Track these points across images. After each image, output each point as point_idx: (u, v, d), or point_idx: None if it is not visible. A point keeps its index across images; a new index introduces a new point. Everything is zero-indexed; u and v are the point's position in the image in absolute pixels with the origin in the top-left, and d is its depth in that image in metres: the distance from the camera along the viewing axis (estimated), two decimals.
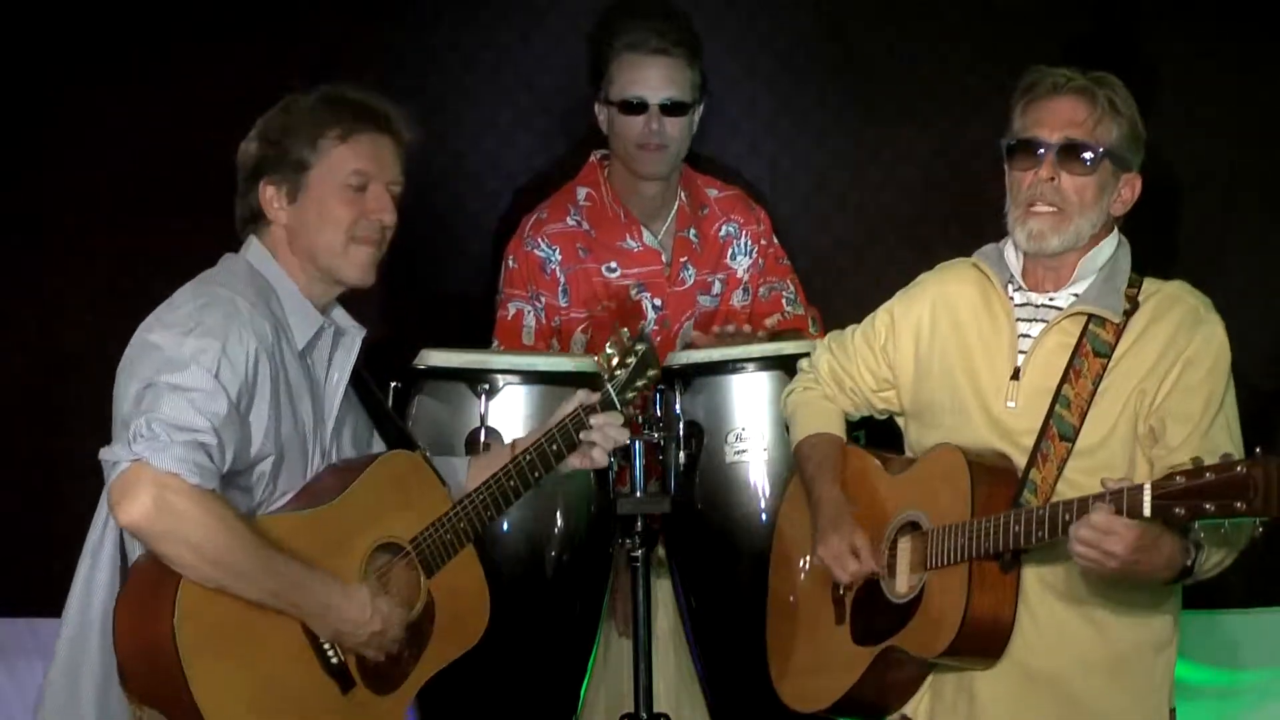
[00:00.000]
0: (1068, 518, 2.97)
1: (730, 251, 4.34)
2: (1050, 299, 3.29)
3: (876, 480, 3.40)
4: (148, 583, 2.95)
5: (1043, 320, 3.28)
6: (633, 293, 4.23)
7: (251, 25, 4.50)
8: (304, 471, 3.17)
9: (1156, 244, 4.53)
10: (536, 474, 3.37)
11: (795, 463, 3.55)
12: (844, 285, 4.55)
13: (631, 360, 3.50)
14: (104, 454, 2.95)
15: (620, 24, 4.37)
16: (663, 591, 4.00)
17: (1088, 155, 3.21)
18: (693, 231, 4.32)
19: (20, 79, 4.48)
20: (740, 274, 4.34)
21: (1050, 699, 3.18)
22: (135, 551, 3.04)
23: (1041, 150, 3.22)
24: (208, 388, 2.95)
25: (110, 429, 3.05)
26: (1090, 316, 3.23)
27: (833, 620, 3.39)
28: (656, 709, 3.84)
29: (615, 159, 4.29)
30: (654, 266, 4.28)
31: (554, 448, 3.38)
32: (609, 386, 3.47)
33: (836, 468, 3.43)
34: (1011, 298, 3.32)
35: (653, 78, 4.17)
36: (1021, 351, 3.27)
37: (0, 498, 4.46)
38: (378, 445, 3.36)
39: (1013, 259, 3.34)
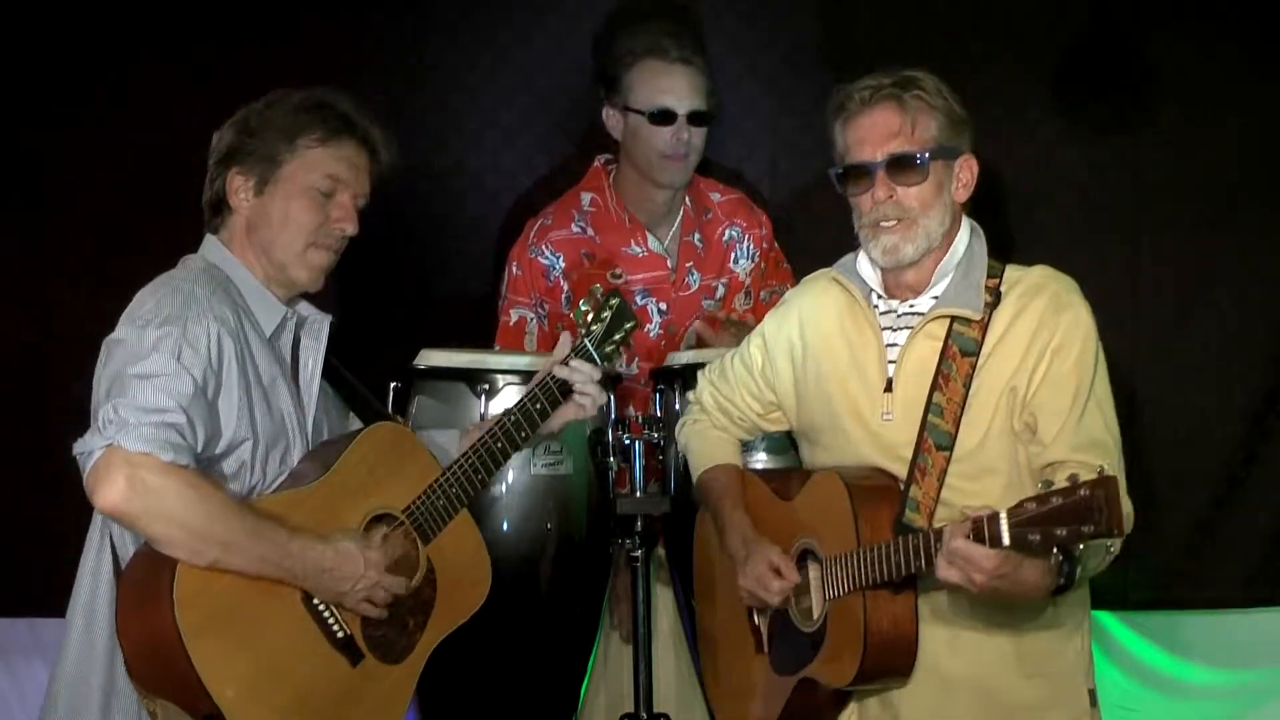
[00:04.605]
0: (938, 546, 2.95)
1: (733, 255, 4.34)
2: (911, 305, 3.26)
3: (769, 509, 3.38)
4: (144, 574, 2.96)
5: (907, 327, 3.24)
6: (638, 298, 4.23)
7: (251, 25, 4.50)
8: (289, 459, 3.17)
9: (1155, 243, 4.56)
10: (523, 433, 3.38)
11: (699, 496, 3.55)
12: None
13: (606, 314, 3.52)
14: (77, 447, 2.96)
15: (633, 28, 4.36)
16: (663, 592, 4.01)
17: (916, 163, 3.18)
18: (697, 236, 4.32)
19: (19, 78, 4.48)
20: (742, 277, 4.35)
21: (971, 702, 3.16)
22: (125, 549, 3.05)
23: (871, 172, 3.20)
24: (171, 371, 2.96)
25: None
26: (954, 317, 3.20)
27: (754, 649, 3.39)
28: (656, 709, 3.83)
29: (628, 165, 4.28)
30: (659, 272, 4.27)
31: (537, 406, 3.40)
32: (585, 340, 3.48)
33: (738, 495, 3.43)
34: (875, 306, 3.30)
35: (680, 88, 4.17)
36: (891, 361, 3.24)
37: (0, 498, 4.46)
38: (355, 427, 3.35)
39: (869, 271, 3.31)
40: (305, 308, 3.28)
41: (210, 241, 3.23)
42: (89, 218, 4.49)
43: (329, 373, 3.30)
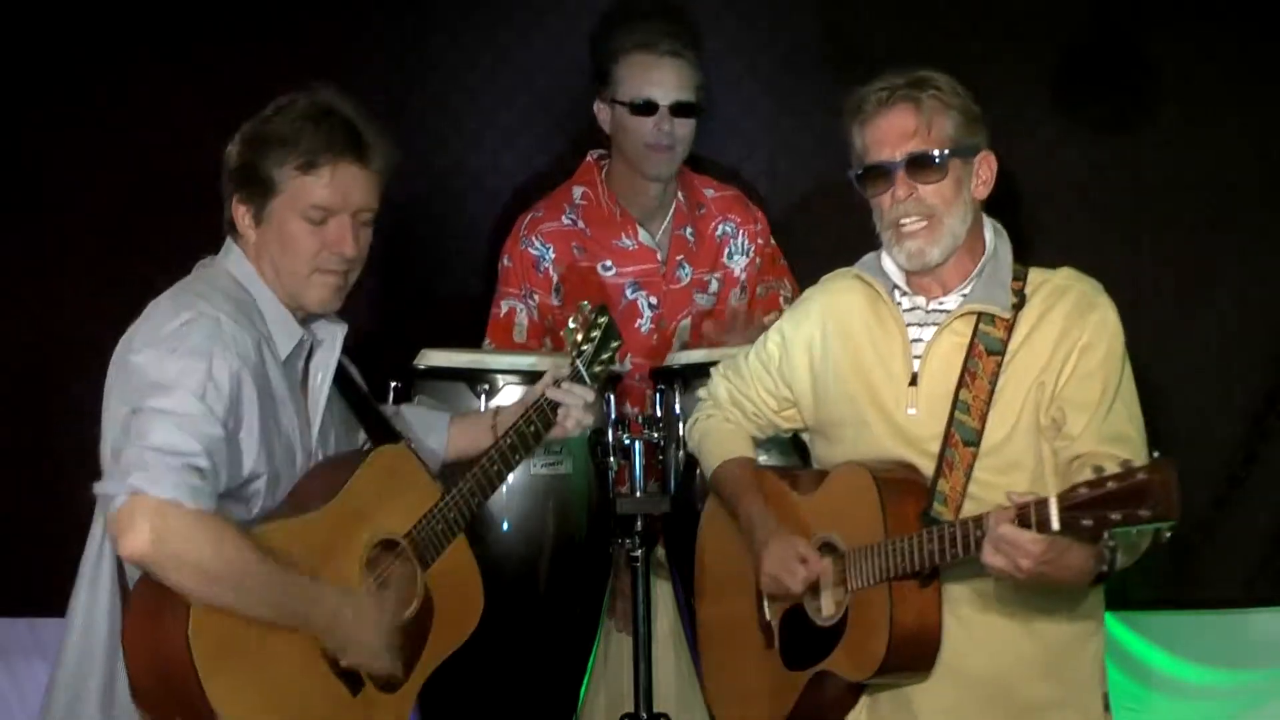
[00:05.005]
0: (979, 534, 2.96)
1: (727, 251, 4.35)
2: (940, 303, 3.28)
3: (788, 503, 3.37)
4: (157, 597, 2.92)
5: (934, 324, 3.26)
6: (628, 292, 4.24)
7: (252, 25, 4.51)
8: (293, 474, 3.15)
9: (1155, 243, 4.56)
10: (517, 455, 3.39)
11: (713, 489, 3.54)
12: None
13: (596, 334, 3.51)
14: (98, 488, 2.93)
15: (627, 24, 4.39)
16: (663, 591, 4.01)
17: (934, 162, 3.20)
18: (689, 230, 4.33)
19: (19, 78, 4.48)
20: (737, 273, 4.36)
21: (988, 701, 3.17)
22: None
23: (890, 172, 3.22)
24: (196, 411, 2.92)
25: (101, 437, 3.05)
26: (980, 315, 3.22)
27: (762, 645, 3.38)
28: (656, 709, 3.83)
29: (618, 158, 4.30)
30: (649, 265, 4.28)
31: (531, 429, 3.40)
32: (578, 362, 3.48)
33: (756, 486, 3.43)
34: (899, 303, 3.31)
35: (666, 80, 4.19)
36: (917, 357, 3.26)
37: (0, 498, 4.47)
38: (362, 436, 3.34)
39: (893, 268, 3.32)
40: (322, 328, 3.24)
41: (234, 251, 3.17)
42: (89, 218, 4.49)
43: (340, 378, 3.28)
